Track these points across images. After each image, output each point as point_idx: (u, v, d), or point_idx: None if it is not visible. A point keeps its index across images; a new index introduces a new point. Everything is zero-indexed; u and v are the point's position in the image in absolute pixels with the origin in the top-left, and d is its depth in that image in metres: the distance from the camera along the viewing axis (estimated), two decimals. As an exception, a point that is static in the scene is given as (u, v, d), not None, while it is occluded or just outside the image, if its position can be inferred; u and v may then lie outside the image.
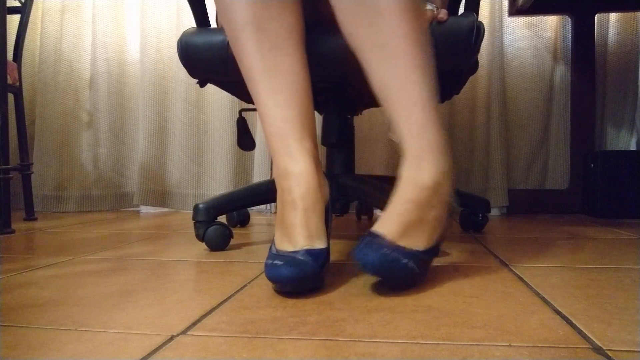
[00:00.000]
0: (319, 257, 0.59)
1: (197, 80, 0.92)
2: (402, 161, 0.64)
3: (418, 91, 0.62)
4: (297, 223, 0.61)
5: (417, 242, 0.60)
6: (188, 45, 0.85)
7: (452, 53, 0.83)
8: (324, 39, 0.78)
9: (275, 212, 1.62)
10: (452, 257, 0.79)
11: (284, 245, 0.62)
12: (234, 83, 0.97)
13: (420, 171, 0.61)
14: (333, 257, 0.76)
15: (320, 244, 0.61)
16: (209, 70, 0.86)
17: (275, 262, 0.58)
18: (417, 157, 0.61)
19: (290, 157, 0.65)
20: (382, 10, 0.60)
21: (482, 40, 0.83)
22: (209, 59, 0.84)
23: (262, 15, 0.65)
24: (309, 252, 0.59)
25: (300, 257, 0.58)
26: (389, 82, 0.62)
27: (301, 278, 0.56)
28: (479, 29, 0.81)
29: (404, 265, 0.57)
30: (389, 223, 0.61)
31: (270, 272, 0.57)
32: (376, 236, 0.59)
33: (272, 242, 0.66)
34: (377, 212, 1.57)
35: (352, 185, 0.95)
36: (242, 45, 0.66)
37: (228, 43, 0.83)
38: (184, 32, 0.87)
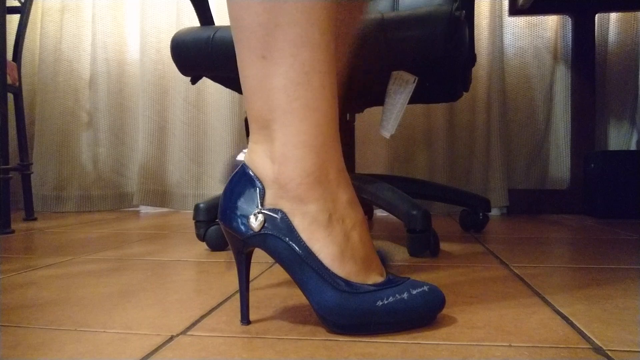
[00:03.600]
0: None
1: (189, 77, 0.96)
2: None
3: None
4: (374, 255, 0.48)
5: None
6: (178, 44, 0.88)
7: (427, 46, 0.75)
8: None
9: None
10: (452, 257, 0.79)
11: (372, 278, 0.46)
12: (230, 78, 0.98)
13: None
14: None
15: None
16: (196, 66, 0.89)
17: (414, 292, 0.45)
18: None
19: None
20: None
21: (462, 32, 0.76)
22: (195, 56, 0.87)
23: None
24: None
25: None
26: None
27: None
28: (455, 20, 0.74)
29: None
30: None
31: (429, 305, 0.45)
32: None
33: (333, 276, 0.44)
34: (377, 211, 1.57)
35: (354, 184, 0.95)
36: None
37: (212, 38, 0.84)
38: (177, 31, 0.89)
